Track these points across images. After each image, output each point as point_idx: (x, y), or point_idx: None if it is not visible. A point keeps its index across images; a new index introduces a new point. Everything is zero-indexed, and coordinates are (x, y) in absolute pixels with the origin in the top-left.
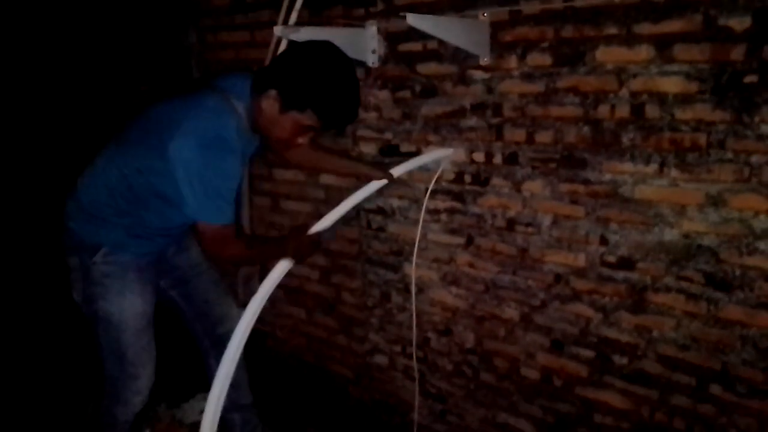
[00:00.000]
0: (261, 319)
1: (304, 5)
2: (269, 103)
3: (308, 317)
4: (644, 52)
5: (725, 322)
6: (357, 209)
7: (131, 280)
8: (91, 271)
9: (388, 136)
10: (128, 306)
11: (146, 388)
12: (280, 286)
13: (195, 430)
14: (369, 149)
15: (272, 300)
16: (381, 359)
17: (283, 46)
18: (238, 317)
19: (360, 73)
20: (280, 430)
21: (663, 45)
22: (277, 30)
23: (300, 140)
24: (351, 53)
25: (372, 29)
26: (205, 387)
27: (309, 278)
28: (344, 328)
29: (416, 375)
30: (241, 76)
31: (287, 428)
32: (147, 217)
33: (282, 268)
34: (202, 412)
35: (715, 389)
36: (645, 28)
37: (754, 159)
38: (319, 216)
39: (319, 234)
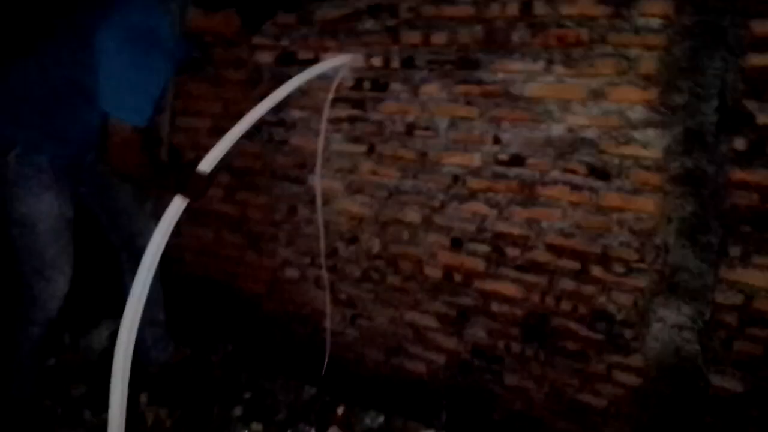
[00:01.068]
0: (167, 244)
1: None
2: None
3: (215, 237)
4: None
5: (605, 209)
6: (257, 125)
7: (46, 182)
8: (5, 172)
9: (285, 43)
10: (44, 208)
11: (62, 293)
12: (183, 210)
13: (103, 358)
14: (266, 59)
15: (176, 223)
16: (291, 272)
17: None
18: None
19: None
20: (196, 349)
21: None
22: None
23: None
24: None
25: None
26: (112, 314)
27: (213, 197)
28: (253, 245)
29: (326, 284)
30: None
31: (202, 346)
32: (64, 116)
33: (178, 206)
34: (109, 337)
35: (596, 271)
36: None
37: (632, 52)
38: (219, 132)
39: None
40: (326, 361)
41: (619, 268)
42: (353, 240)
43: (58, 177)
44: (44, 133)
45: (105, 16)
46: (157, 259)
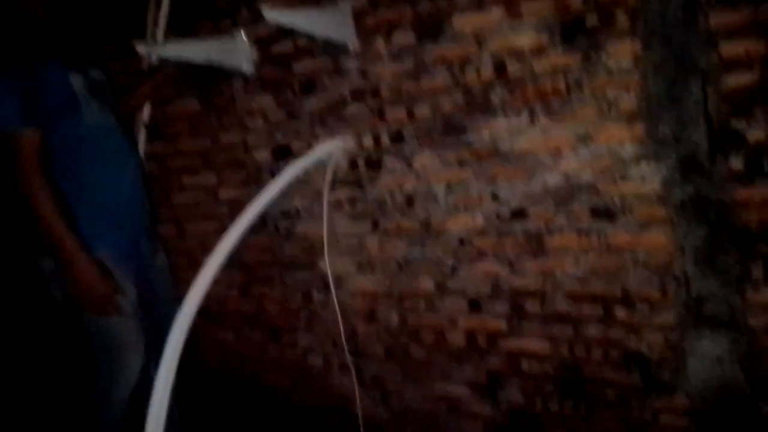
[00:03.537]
0: (189, 349)
1: (169, 26)
2: None
3: (236, 336)
4: (495, 13)
5: (616, 249)
6: (263, 218)
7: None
8: None
9: (278, 138)
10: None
11: (138, 368)
12: (201, 312)
13: None
14: (262, 156)
15: (196, 327)
16: (315, 360)
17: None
18: None
19: (238, 81)
20: None
21: (510, 4)
22: (140, 47)
23: None
24: (226, 63)
25: (240, 37)
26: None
27: (228, 296)
28: (273, 338)
29: (351, 367)
30: None
31: None
32: (93, 182)
33: (191, 308)
34: None
35: (621, 313)
36: None
37: (609, 93)
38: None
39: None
40: None
41: (643, 307)
42: (371, 318)
43: (119, 265)
44: (102, 222)
45: None
46: (176, 363)
